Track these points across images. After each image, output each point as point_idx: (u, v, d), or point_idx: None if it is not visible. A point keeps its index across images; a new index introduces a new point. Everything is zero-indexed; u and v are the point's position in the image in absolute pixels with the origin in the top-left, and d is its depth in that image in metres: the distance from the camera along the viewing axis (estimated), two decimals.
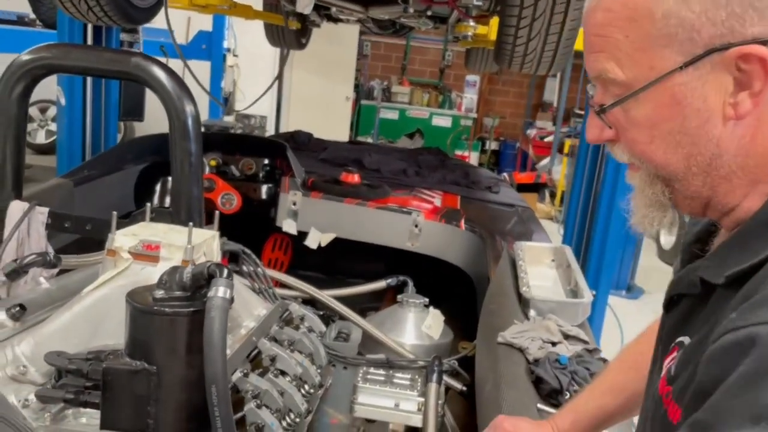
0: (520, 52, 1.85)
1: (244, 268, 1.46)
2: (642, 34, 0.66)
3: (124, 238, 1.11)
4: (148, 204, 1.25)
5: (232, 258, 1.49)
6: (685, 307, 0.73)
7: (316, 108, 7.88)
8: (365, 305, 2.27)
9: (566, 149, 7.43)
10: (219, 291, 0.78)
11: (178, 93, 1.45)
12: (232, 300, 0.79)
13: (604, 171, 3.64)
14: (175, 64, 6.45)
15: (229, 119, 6.71)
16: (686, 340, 0.69)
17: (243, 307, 1.25)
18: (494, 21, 2.27)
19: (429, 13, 2.91)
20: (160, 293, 0.81)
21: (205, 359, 0.75)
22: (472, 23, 2.53)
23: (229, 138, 2.58)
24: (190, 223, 1.09)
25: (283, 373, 1.12)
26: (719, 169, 0.69)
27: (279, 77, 2.38)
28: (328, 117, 7.82)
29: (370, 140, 7.87)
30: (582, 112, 6.25)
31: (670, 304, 0.78)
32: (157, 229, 1.18)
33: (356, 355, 1.53)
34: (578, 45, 3.08)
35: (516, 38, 1.81)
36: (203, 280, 0.81)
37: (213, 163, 2.40)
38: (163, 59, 3.26)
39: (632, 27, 0.66)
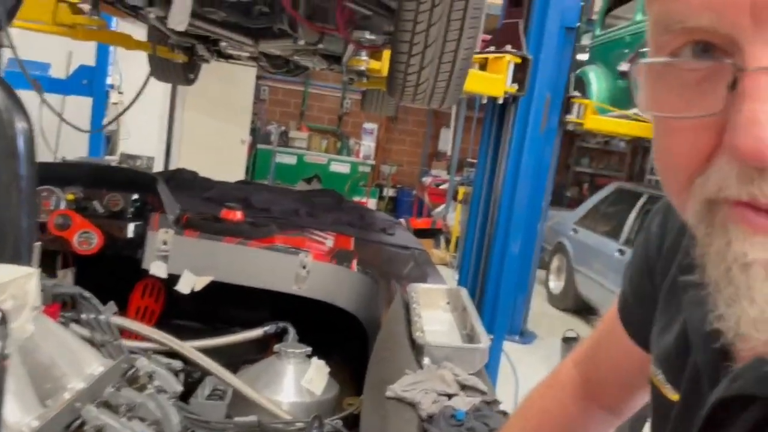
0: (413, 81, 1.75)
1: (84, 316, 1.20)
2: None
3: None
4: None
5: (69, 303, 1.23)
6: (756, 414, 0.46)
7: (210, 150, 7.57)
8: (250, 357, 2.03)
9: (460, 196, 7.55)
10: None
11: (6, 104, 1.20)
12: (4, 356, 0.57)
13: (496, 217, 3.65)
14: (57, 99, 5.95)
15: (112, 159, 6.25)
16: None
17: (70, 365, 1.00)
18: (387, 54, 2.18)
19: (321, 46, 2.80)
20: None
21: None
22: (364, 57, 2.43)
23: (93, 170, 2.29)
24: None
25: None
26: None
27: (135, 100, 2.15)
28: (222, 160, 7.53)
29: (267, 183, 7.64)
30: (474, 161, 6.36)
31: (721, 410, 0.48)
32: None
33: (223, 418, 1.30)
34: (466, 85, 3.09)
35: (408, 66, 1.71)
36: None
37: (71, 197, 2.10)
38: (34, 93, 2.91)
39: None
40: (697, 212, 0.43)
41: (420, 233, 7.42)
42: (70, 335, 1.08)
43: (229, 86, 7.51)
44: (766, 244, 0.39)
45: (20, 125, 1.22)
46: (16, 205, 1.21)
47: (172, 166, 7.52)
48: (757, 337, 0.40)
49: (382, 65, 2.52)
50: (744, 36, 0.37)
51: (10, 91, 1.25)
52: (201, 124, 7.68)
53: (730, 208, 0.40)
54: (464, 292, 1.90)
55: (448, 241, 7.87)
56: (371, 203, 8.97)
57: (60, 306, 1.19)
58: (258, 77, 8.42)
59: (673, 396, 0.58)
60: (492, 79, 3.17)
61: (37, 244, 1.05)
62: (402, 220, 7.28)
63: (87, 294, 1.20)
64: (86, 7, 2.57)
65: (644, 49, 0.45)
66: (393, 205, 9.89)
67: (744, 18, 0.36)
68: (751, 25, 0.36)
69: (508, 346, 4.70)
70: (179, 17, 1.69)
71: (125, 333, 1.57)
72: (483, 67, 3.27)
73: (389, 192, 9.86)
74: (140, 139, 6.91)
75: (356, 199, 8.48)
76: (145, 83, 1.85)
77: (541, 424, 0.84)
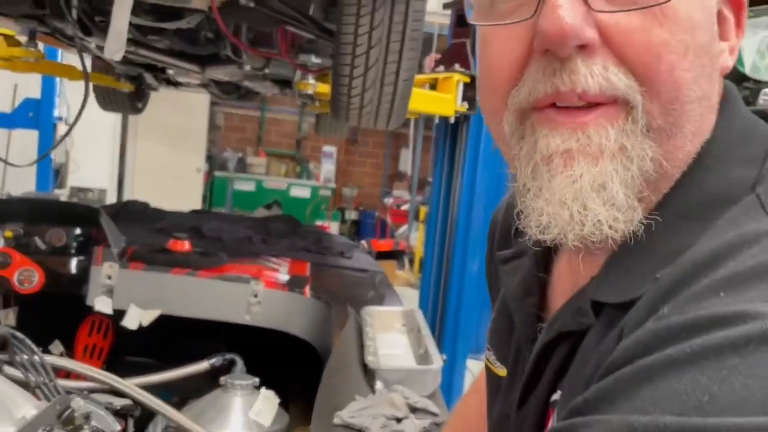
0: (356, 104, 1.76)
1: (17, 357, 1.15)
2: None
3: None
4: None
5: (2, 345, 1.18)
6: (559, 357, 0.52)
7: (164, 180, 7.45)
8: (203, 392, 1.98)
9: (422, 216, 7.58)
10: None
11: None
12: None
13: (454, 236, 3.67)
14: (2, 133, 5.81)
15: (61, 192, 6.09)
16: (557, 395, 0.51)
17: None
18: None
19: (268, 71, 2.79)
20: None
21: None
22: (312, 81, 2.43)
23: (33, 205, 2.22)
24: None
25: None
26: (703, 135, 0.49)
27: (71, 128, 2.09)
28: (177, 189, 7.41)
29: (224, 212, 7.54)
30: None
31: (543, 355, 0.54)
32: None
33: None
34: (417, 105, 3.12)
35: (350, 89, 1.71)
36: None
37: (9, 234, 2.03)
38: None
39: None
40: (511, 124, 0.50)
41: (383, 255, 7.40)
42: (0, 378, 1.03)
43: (183, 114, 7.43)
44: (566, 136, 0.46)
45: None
46: None
47: (126, 198, 7.39)
48: (555, 227, 0.47)
49: (329, 88, 2.52)
50: None
51: None
52: (154, 154, 7.57)
53: (537, 114, 0.48)
54: (419, 313, 1.89)
55: (411, 262, 7.87)
56: (334, 227, 8.93)
57: None
58: (212, 103, 8.36)
59: (502, 372, 0.63)
60: (442, 99, 3.20)
61: None
62: (364, 243, 7.28)
63: (19, 335, 1.15)
64: (24, 38, 2.51)
65: None
66: (356, 228, 9.87)
67: None
68: None
69: (475, 365, 4.69)
70: (115, 47, 1.66)
71: (73, 374, 1.51)
72: (433, 87, 3.30)
73: (352, 215, 9.84)
74: (91, 171, 6.76)
75: (318, 223, 8.43)
76: (81, 110, 1.81)
77: (463, 427, 0.86)
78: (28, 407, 1.03)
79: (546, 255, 0.59)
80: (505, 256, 0.65)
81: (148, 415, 1.62)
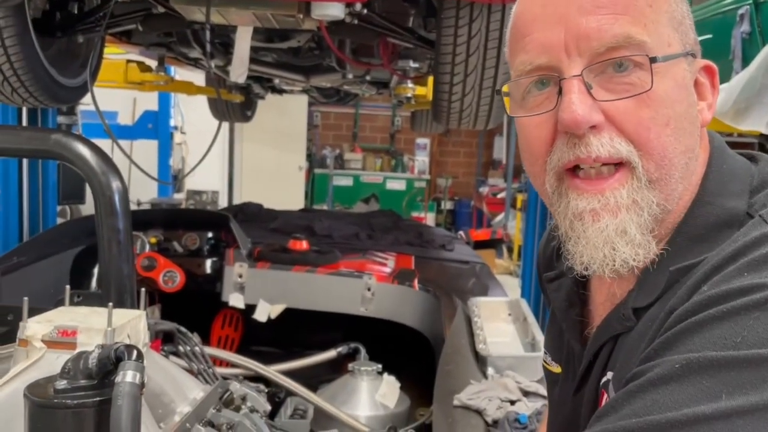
0: (456, 108, 1.86)
1: (181, 348, 1.36)
2: (661, 9, 0.64)
3: (37, 326, 1.01)
4: (67, 287, 1.16)
5: (167, 338, 1.40)
6: (607, 351, 0.68)
7: (269, 179, 7.86)
8: (324, 377, 2.17)
9: (519, 204, 7.53)
10: (127, 375, 0.69)
11: (103, 168, 1.38)
12: (143, 385, 0.71)
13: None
14: (125, 144, 6.38)
15: (179, 196, 6.60)
16: (609, 375, 0.66)
17: (176, 392, 1.16)
18: (431, 81, 2.30)
19: (368, 78, 2.95)
20: (62, 384, 0.72)
21: None
22: (410, 85, 2.56)
23: (170, 214, 2.50)
24: (110, 304, 1.00)
25: None
26: (690, 176, 0.65)
27: (214, 145, 2.33)
28: (281, 188, 7.79)
29: (325, 208, 7.84)
30: None
31: (594, 358, 0.69)
32: (76, 313, 1.09)
33: None
34: None
35: (451, 95, 1.82)
36: (111, 364, 0.73)
37: (153, 240, 2.31)
38: (108, 141, 3.19)
39: None
40: (551, 184, 0.66)
41: (481, 244, 7.43)
42: (173, 366, 1.23)
43: (284, 116, 7.78)
44: (590, 200, 0.63)
45: (115, 184, 1.40)
46: (116, 256, 1.39)
47: (235, 198, 7.86)
48: (594, 265, 0.63)
49: (427, 90, 2.64)
50: (562, 62, 0.64)
51: (105, 156, 1.43)
52: (259, 155, 7.99)
53: (568, 179, 0.65)
54: (524, 303, 1.98)
55: (510, 250, 7.85)
56: (430, 218, 9.05)
57: (161, 341, 1.36)
58: (310, 104, 8.69)
59: (557, 369, 0.80)
60: None
61: (143, 290, 1.21)
62: (461, 233, 7.34)
63: (183, 329, 1.36)
64: (153, 64, 2.81)
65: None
66: (452, 218, 9.92)
67: (562, 53, 0.63)
68: (565, 56, 0.63)
69: None
70: (239, 71, 1.86)
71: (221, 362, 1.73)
72: None
73: (447, 205, 9.91)
74: (204, 174, 7.26)
75: (414, 214, 8.57)
76: (215, 136, 2.03)
77: None
78: (197, 390, 1.23)
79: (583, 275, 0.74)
80: (549, 276, 0.81)
81: (281, 399, 1.82)
